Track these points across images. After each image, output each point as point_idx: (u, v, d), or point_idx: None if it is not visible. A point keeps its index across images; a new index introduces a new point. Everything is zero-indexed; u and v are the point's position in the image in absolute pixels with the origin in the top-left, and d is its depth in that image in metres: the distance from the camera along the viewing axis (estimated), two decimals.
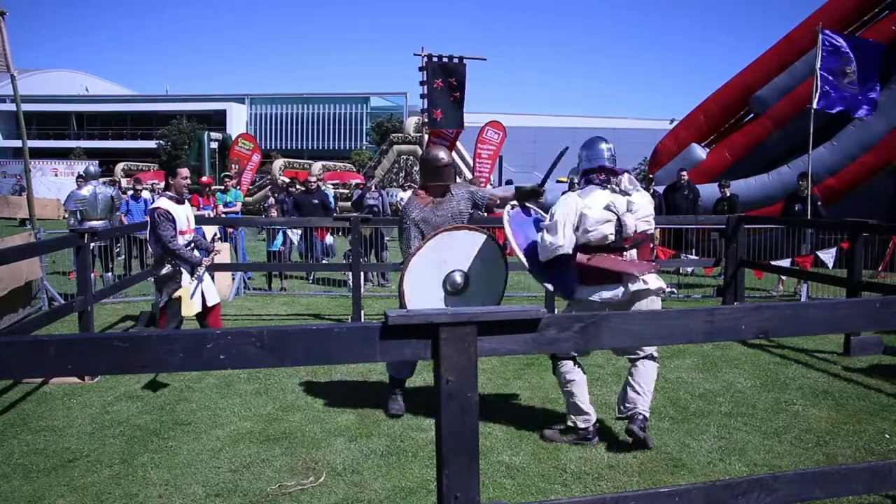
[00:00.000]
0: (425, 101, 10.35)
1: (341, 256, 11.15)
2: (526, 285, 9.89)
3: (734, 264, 7.63)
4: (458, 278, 4.29)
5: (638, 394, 4.03)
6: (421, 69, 10.38)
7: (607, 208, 3.96)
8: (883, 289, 6.68)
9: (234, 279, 9.27)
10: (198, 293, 5.44)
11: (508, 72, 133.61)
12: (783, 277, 9.47)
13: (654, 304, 4.05)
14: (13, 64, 7.76)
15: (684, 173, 11.79)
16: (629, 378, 4.11)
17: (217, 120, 51.94)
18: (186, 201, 5.60)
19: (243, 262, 10.54)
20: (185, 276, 5.31)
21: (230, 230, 11.25)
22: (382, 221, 9.39)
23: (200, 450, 4.02)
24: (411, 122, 24.91)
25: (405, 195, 11.04)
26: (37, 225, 8.50)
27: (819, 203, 9.76)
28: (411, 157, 23.40)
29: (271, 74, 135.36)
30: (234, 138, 23.81)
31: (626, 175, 4.09)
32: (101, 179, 10.75)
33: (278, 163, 28.75)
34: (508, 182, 18.84)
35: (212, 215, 10.92)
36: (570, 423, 4.13)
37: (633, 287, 3.93)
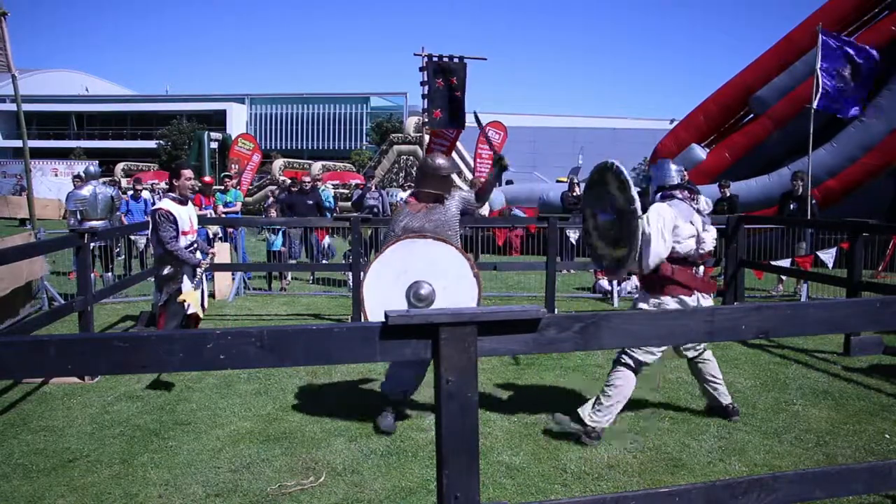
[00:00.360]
0: (426, 100, 10.34)
1: (341, 256, 11.15)
2: (526, 285, 9.90)
3: (734, 264, 7.63)
4: (423, 290, 4.04)
5: (717, 387, 4.47)
6: (421, 69, 10.37)
7: (691, 224, 4.22)
8: (883, 289, 6.68)
9: (234, 279, 9.27)
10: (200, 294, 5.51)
11: (508, 72, 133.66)
12: (783, 277, 9.47)
13: None
14: (14, 64, 7.76)
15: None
16: (702, 374, 4.45)
17: (217, 120, 51.94)
18: (189, 201, 5.63)
19: (243, 262, 10.54)
20: (187, 278, 5.33)
21: (230, 230, 11.25)
22: (382, 221, 9.36)
23: (200, 450, 4.02)
24: (411, 123, 24.88)
25: (405, 195, 11.04)
26: (37, 225, 8.50)
27: (814, 202, 9.76)
28: (411, 157, 23.39)
29: (271, 74, 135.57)
30: (234, 138, 23.78)
31: (703, 197, 4.40)
32: (101, 179, 10.74)
33: (278, 163, 28.75)
34: (509, 182, 18.83)
35: (212, 215, 10.92)
36: (584, 418, 4.12)
37: (703, 302, 4.25)
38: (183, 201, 5.44)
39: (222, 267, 8.53)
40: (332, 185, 21.24)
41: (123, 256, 11.37)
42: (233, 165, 20.64)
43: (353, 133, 55.44)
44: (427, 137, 11.73)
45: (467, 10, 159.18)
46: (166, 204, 5.32)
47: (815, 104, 9.01)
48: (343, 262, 10.06)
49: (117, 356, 1.78)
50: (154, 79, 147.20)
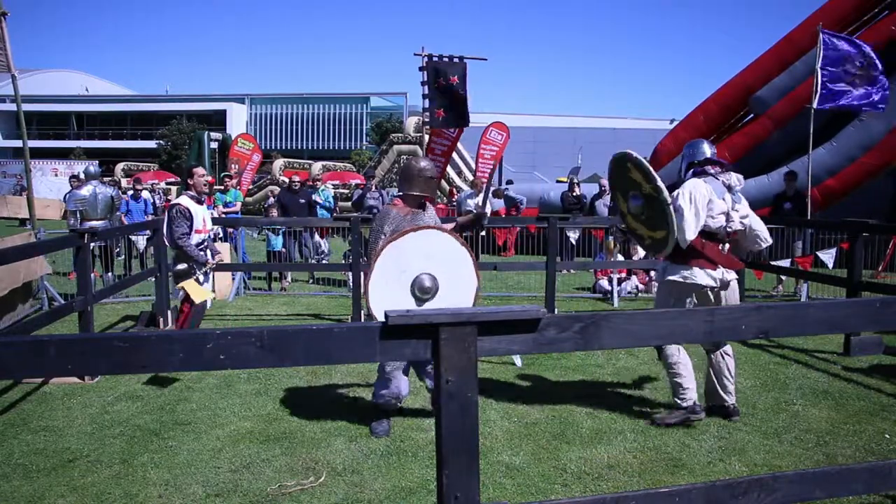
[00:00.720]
0: (426, 100, 10.33)
1: (341, 256, 11.15)
2: (526, 285, 9.90)
3: None
4: (426, 283, 3.96)
5: (728, 385, 4.48)
6: (421, 69, 10.36)
7: (723, 200, 4.24)
8: (883, 289, 6.69)
9: (234, 279, 9.27)
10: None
11: (509, 72, 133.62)
12: (783, 277, 9.46)
13: (734, 292, 4.41)
14: (14, 64, 7.76)
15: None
16: (721, 370, 4.44)
17: (217, 120, 51.95)
18: (203, 202, 5.87)
19: (243, 262, 10.54)
20: (201, 275, 5.55)
21: (230, 230, 11.26)
22: None
23: (200, 450, 4.02)
24: (411, 123, 24.88)
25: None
26: (37, 225, 8.50)
27: (808, 202, 9.75)
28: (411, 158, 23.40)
29: (271, 74, 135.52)
30: (233, 138, 23.77)
31: (734, 174, 4.37)
32: (101, 179, 10.74)
33: (278, 163, 28.76)
34: (509, 182, 18.81)
35: (213, 215, 10.92)
36: (676, 401, 4.36)
37: (727, 276, 4.29)
38: (199, 200, 5.72)
39: (222, 267, 8.51)
40: (332, 185, 21.23)
41: (123, 256, 11.37)
42: (233, 165, 20.61)
43: (353, 133, 55.45)
44: (427, 137, 11.71)
45: (467, 10, 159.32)
46: (184, 200, 5.58)
47: (815, 104, 9.00)
48: (343, 261, 10.07)
49: (117, 356, 1.78)
50: (154, 79, 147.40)
